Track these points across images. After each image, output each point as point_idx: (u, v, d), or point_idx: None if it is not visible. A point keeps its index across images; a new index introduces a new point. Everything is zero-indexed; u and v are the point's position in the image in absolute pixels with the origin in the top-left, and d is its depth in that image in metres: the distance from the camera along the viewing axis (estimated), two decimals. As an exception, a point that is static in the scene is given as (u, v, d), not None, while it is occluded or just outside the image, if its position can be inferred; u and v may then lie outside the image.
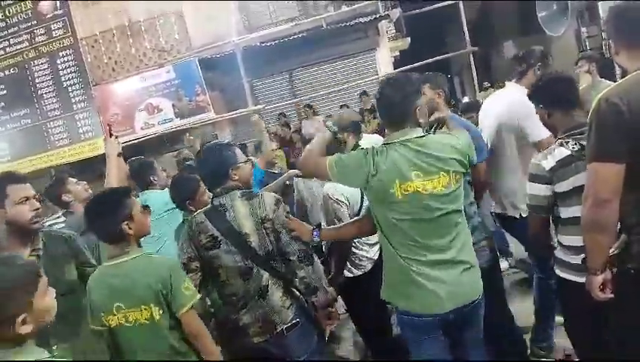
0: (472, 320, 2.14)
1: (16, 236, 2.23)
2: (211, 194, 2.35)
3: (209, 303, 2.54)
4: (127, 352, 2.08)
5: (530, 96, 2.34)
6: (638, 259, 1.76)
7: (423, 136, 2.03)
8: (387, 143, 2.03)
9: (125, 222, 2.05)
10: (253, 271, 2.23)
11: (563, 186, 2.09)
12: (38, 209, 2.25)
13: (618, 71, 8.78)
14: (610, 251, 1.81)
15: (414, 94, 2.01)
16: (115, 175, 2.77)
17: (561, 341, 2.82)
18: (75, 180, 3.45)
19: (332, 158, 2.07)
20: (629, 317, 1.81)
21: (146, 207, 2.18)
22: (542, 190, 2.15)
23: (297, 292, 2.35)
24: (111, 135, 2.91)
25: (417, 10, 10.13)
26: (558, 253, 2.23)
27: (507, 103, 3.01)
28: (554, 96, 2.21)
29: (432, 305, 2.02)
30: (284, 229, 2.26)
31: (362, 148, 2.14)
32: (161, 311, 2.02)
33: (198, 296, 2.13)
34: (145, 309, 2.01)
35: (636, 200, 1.74)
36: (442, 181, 1.96)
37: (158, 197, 3.27)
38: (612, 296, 1.84)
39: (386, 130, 2.12)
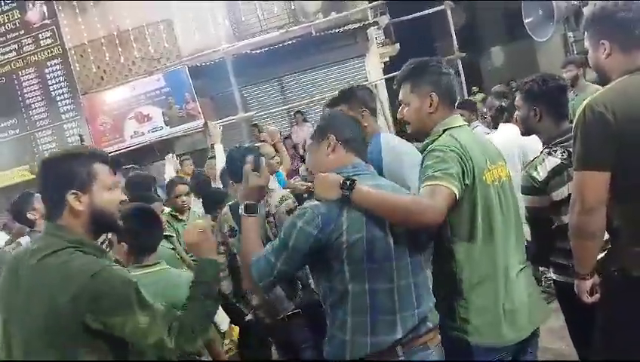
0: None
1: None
2: None
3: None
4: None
5: (527, 96, 2.26)
6: (623, 262, 1.78)
7: None
8: None
9: None
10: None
11: (559, 195, 2.09)
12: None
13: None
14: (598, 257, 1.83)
15: None
16: None
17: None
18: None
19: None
20: (615, 320, 1.83)
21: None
22: (536, 201, 2.14)
23: (300, 285, 2.55)
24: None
25: (406, 17, 10.20)
26: (558, 259, 2.21)
27: None
28: (551, 103, 2.19)
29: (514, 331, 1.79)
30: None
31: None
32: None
33: None
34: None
35: (621, 206, 1.76)
36: None
37: None
38: (597, 299, 1.87)
39: None
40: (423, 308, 1.68)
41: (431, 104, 1.85)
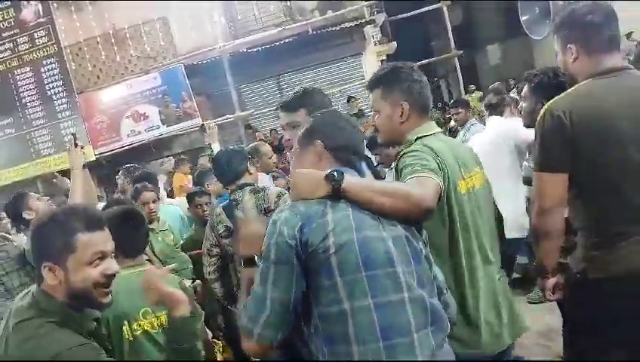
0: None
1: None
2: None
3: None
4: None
5: (536, 88, 2.27)
6: (582, 263, 1.79)
7: None
8: None
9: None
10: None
11: None
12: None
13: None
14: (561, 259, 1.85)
15: None
16: (81, 188, 2.58)
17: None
18: (37, 196, 3.21)
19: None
20: (574, 321, 1.86)
21: None
22: None
23: None
24: (76, 145, 2.69)
25: (402, 15, 10.20)
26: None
27: None
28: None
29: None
30: None
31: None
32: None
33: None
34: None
35: (580, 206, 1.78)
36: None
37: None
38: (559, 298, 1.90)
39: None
40: (438, 325, 1.38)
41: (402, 113, 1.76)
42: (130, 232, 2.08)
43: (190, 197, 3.77)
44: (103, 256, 1.43)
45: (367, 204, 1.37)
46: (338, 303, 1.29)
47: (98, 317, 1.57)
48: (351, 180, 1.37)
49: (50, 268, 1.38)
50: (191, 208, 3.74)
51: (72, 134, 2.99)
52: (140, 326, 1.96)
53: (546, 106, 1.78)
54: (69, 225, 1.40)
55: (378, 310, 1.28)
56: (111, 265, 1.45)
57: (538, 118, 1.78)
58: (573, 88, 1.79)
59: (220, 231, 2.70)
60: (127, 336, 1.95)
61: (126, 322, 1.96)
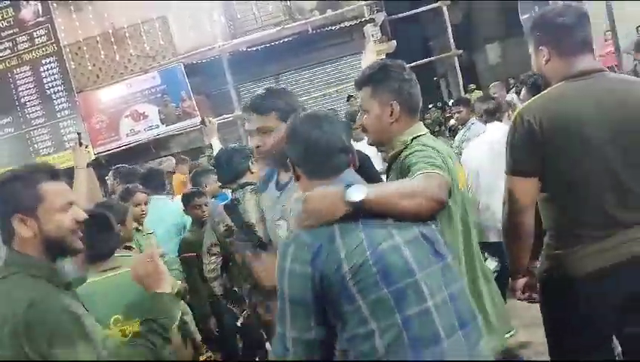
0: None
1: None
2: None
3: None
4: None
5: (534, 90, 2.30)
6: (547, 261, 1.81)
7: None
8: None
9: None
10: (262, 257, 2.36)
11: None
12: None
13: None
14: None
15: None
16: (84, 188, 2.57)
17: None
18: None
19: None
20: (547, 318, 1.87)
21: None
22: None
23: None
24: (80, 144, 2.69)
25: (402, 14, 10.19)
26: None
27: None
28: None
29: None
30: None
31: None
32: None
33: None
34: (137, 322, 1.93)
35: (547, 207, 1.80)
36: None
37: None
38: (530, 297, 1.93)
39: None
40: (468, 328, 1.34)
41: (392, 113, 1.69)
42: (101, 234, 2.03)
43: (188, 198, 3.66)
44: (70, 204, 1.48)
45: (390, 212, 1.32)
46: (364, 324, 1.26)
47: (70, 281, 1.60)
48: (369, 192, 1.31)
49: (21, 219, 1.39)
50: (188, 209, 3.66)
51: (77, 133, 2.99)
52: (112, 334, 1.93)
53: (517, 111, 1.80)
54: (34, 177, 1.43)
55: (405, 324, 1.25)
56: (79, 212, 1.49)
57: (511, 122, 1.80)
58: (545, 91, 1.80)
59: (222, 231, 2.68)
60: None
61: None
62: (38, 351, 1.31)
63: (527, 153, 1.72)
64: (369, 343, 1.25)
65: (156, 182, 3.68)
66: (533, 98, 1.81)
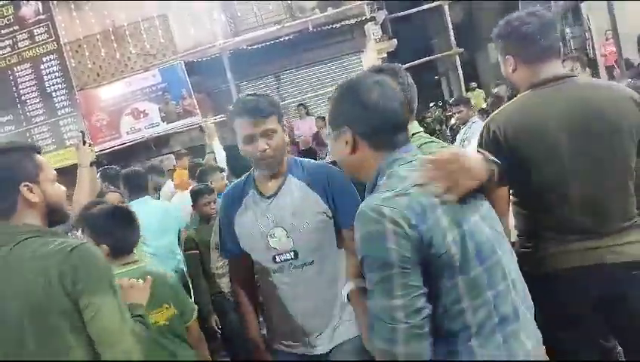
0: None
1: None
2: None
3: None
4: None
5: None
6: (522, 263, 1.83)
7: None
8: None
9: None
10: None
11: None
12: None
13: (603, 72, 8.89)
14: None
15: None
16: (87, 186, 2.58)
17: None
18: None
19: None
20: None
21: None
22: None
23: None
24: (84, 142, 2.70)
25: (403, 13, 10.18)
26: None
27: None
28: None
29: None
30: None
31: None
32: (177, 313, 2.06)
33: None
34: (167, 308, 2.02)
35: (519, 212, 1.82)
36: None
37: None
38: None
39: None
40: (527, 302, 1.33)
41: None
42: (127, 228, 2.09)
43: (197, 195, 3.59)
44: (55, 176, 1.57)
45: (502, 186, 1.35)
46: (458, 302, 1.19)
47: None
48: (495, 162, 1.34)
49: (28, 187, 1.45)
50: (197, 206, 3.60)
51: (81, 132, 2.98)
52: None
53: (485, 121, 1.83)
54: (27, 150, 1.52)
55: (495, 301, 1.20)
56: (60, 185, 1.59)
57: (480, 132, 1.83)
58: (511, 101, 1.81)
59: None
60: None
61: None
62: (78, 294, 1.34)
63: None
64: (461, 320, 1.19)
65: (133, 184, 3.62)
66: (500, 108, 1.83)
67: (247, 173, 2.01)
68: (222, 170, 4.09)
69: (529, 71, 1.76)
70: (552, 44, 1.75)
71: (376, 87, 1.31)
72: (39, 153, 1.55)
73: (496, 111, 1.82)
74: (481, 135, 1.79)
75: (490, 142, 1.74)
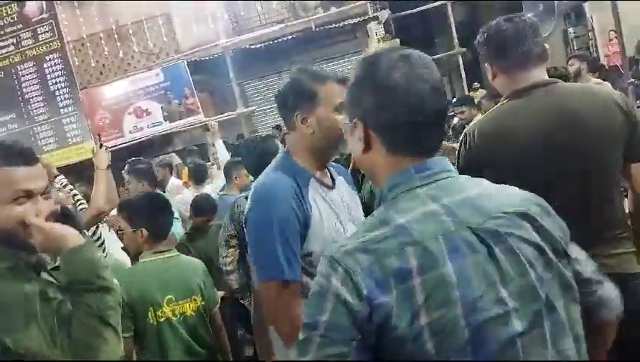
0: None
1: None
2: None
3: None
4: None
5: None
6: None
7: None
8: None
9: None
10: None
11: None
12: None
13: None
14: None
15: None
16: (103, 189, 2.60)
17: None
18: (58, 186, 3.08)
19: None
20: None
21: None
22: None
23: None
24: (101, 145, 2.72)
25: (406, 12, 10.17)
26: None
27: None
28: None
29: None
30: None
31: None
32: (203, 303, 2.14)
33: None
34: (195, 300, 2.11)
35: None
36: None
37: None
38: None
39: None
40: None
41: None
42: (163, 216, 2.20)
43: (198, 211, 3.48)
44: (28, 195, 1.24)
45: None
46: None
47: (55, 267, 1.37)
48: None
49: None
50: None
51: (97, 135, 3.02)
52: (163, 313, 2.05)
53: (467, 127, 1.83)
54: (9, 160, 1.23)
55: None
56: (39, 205, 1.25)
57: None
58: (489, 110, 1.80)
59: (242, 222, 2.62)
60: (151, 322, 2.03)
61: (151, 308, 2.04)
62: None
63: (469, 171, 1.73)
64: None
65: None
66: (480, 117, 1.85)
67: (274, 166, 1.63)
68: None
69: (507, 78, 1.73)
70: (530, 50, 1.67)
71: (402, 64, 0.93)
72: (28, 164, 1.28)
73: (473, 122, 1.85)
74: (459, 145, 1.78)
75: (464, 151, 1.73)
